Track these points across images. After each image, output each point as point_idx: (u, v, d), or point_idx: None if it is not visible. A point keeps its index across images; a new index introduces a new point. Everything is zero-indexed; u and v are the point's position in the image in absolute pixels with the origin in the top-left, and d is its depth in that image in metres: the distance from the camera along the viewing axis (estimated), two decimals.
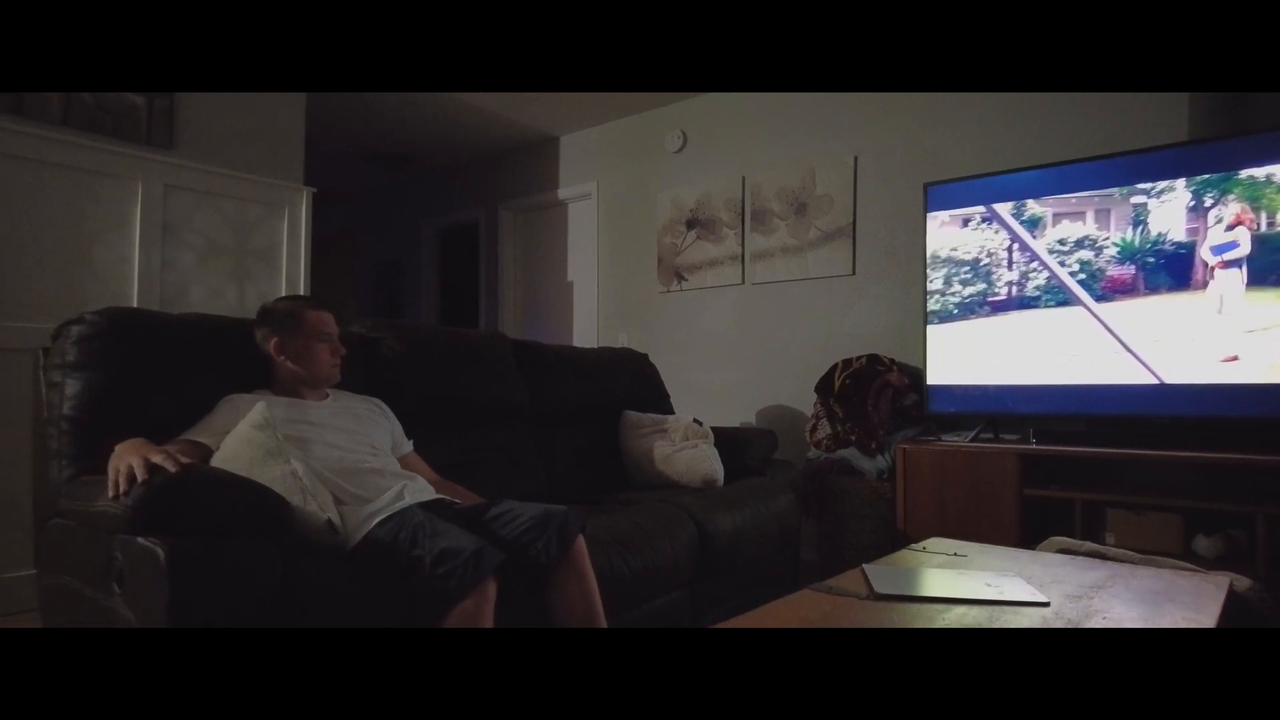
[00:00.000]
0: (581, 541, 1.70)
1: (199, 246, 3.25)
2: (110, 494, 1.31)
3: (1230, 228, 2.48)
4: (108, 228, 2.98)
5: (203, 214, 3.26)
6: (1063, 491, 2.60)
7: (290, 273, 3.53)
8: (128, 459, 1.34)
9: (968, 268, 2.91)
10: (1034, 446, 2.68)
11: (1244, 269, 2.45)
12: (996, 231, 2.87)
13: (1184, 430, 2.58)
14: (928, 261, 3.03)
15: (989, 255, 2.86)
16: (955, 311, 2.95)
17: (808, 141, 3.75)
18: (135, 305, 3.00)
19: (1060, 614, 1.27)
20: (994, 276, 2.87)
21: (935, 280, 3.00)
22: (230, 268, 3.35)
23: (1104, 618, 1.24)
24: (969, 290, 2.91)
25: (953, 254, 2.96)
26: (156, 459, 1.33)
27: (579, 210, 4.88)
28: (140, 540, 1.27)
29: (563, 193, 4.87)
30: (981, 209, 2.90)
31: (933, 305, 3.01)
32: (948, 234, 2.98)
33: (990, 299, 2.87)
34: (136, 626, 1.30)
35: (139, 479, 1.29)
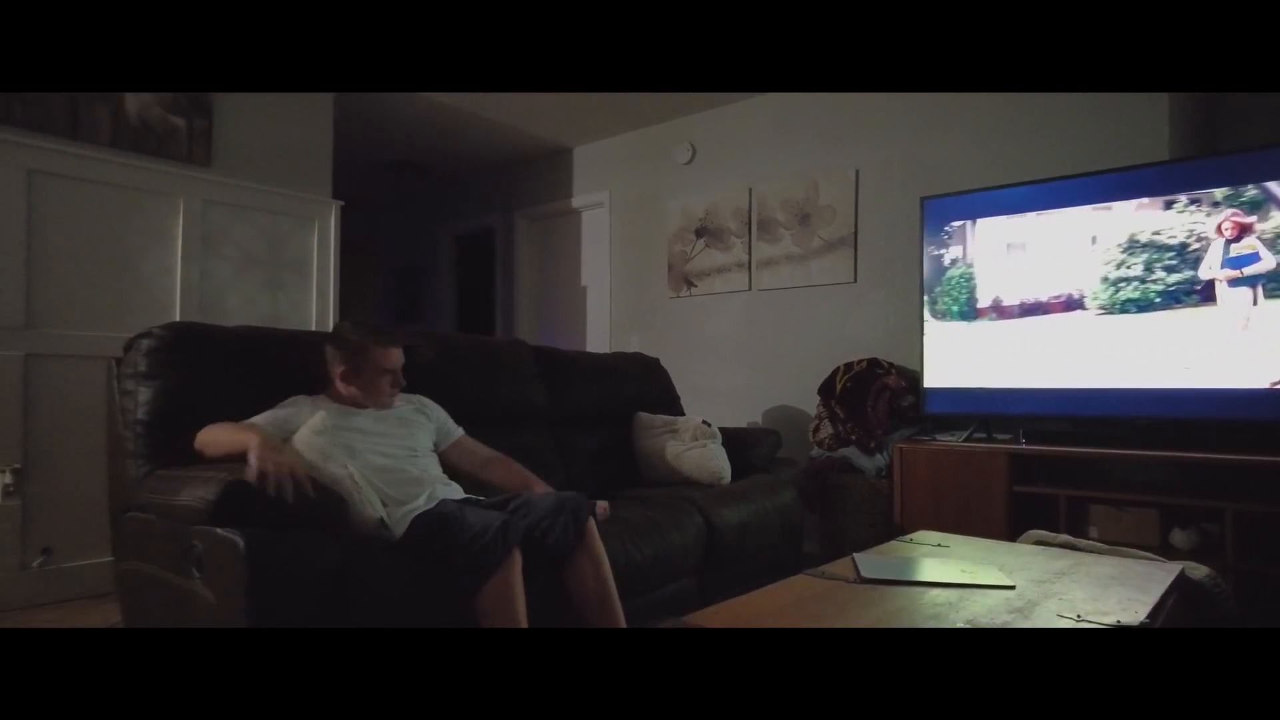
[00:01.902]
0: (593, 523, 1.90)
1: (235, 258, 3.45)
2: (272, 493, 1.49)
3: (1237, 238, 2.48)
4: (152, 241, 3.19)
5: (239, 227, 3.47)
6: (1049, 489, 2.76)
7: (320, 282, 3.73)
8: (271, 457, 1.52)
9: (1173, 253, 2.68)
10: (1023, 446, 2.85)
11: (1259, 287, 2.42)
12: (1208, 215, 2.61)
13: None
14: (1123, 245, 2.80)
15: (1199, 241, 2.62)
16: (1157, 300, 2.71)
17: (811, 155, 3.92)
18: (177, 314, 3.21)
19: (1022, 595, 1.45)
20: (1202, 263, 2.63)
21: (1135, 266, 2.76)
22: (264, 278, 3.55)
23: (1060, 599, 1.42)
24: (1174, 278, 2.67)
25: (1155, 238, 2.71)
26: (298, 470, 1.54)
27: (592, 218, 5.07)
28: (219, 531, 1.47)
29: (576, 201, 5.06)
30: (1193, 192, 2.64)
31: (1130, 293, 2.77)
32: (1145, 216, 2.75)
33: (1197, 287, 2.64)
34: (214, 605, 1.50)
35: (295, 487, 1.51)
